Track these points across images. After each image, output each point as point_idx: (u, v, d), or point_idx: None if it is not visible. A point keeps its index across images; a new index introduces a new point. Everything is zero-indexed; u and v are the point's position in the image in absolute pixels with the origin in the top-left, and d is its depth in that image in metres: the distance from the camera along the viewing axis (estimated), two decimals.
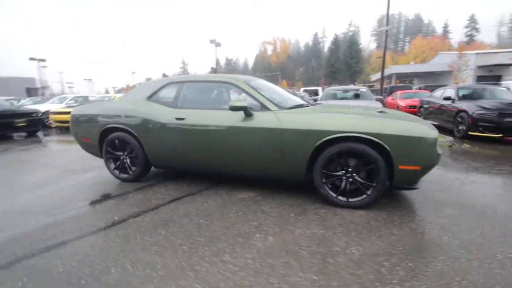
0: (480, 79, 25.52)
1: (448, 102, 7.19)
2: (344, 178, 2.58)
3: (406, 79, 38.11)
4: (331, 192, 2.61)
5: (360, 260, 1.80)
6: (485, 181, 3.37)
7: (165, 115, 3.10)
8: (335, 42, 68.55)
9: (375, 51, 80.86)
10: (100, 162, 4.32)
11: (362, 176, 2.55)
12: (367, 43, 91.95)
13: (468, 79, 25.33)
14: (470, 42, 62.09)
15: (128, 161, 3.46)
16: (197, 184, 3.33)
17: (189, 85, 3.19)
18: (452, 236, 2.07)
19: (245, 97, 2.90)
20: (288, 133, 2.60)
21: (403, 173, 2.39)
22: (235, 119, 2.81)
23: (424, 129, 2.37)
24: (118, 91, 68.95)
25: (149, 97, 3.30)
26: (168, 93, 3.25)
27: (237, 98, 2.85)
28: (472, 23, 66.66)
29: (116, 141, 3.41)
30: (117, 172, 3.51)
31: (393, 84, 30.41)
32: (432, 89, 15.76)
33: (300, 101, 3.32)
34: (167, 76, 56.16)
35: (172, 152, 3.13)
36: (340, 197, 2.59)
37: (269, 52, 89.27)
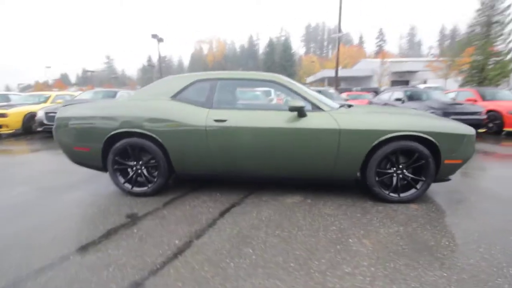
0: (393, 83, 30.41)
1: (398, 103, 8.31)
2: (395, 175, 2.72)
3: (332, 83, 42.60)
4: (383, 190, 2.72)
5: (461, 251, 1.92)
6: (467, 171, 4.01)
7: (200, 116, 2.71)
8: (270, 45, 71.77)
9: (304, 55, 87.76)
10: (82, 175, 3.55)
11: (410, 172, 2.73)
12: (297, 48, 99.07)
13: (388, 83, 29.84)
14: (380, 51, 73.28)
15: (145, 171, 2.91)
16: (230, 192, 3.02)
17: (224, 83, 2.87)
18: (503, 219, 2.39)
19: (295, 96, 2.76)
20: (347, 134, 2.59)
21: (447, 167, 2.65)
22: (286, 120, 2.65)
23: (465, 126, 2.68)
24: (24, 89, 57.40)
25: (174, 96, 2.84)
26: (197, 92, 2.85)
27: (293, 98, 2.69)
28: (381, 35, 78.74)
29: (129, 149, 2.83)
30: (128, 186, 2.91)
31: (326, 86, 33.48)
32: (368, 90, 18.00)
33: (336, 102, 3.34)
34: (91, 71, 49.34)
35: (208, 158, 2.76)
36: (392, 194, 2.72)
37: (205, 51, 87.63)
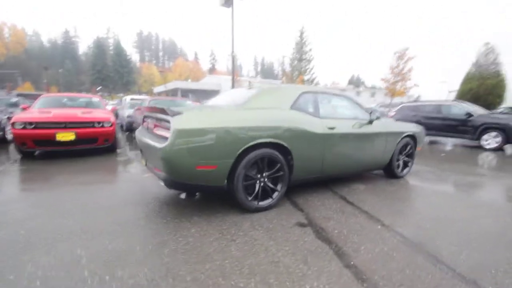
0: None
1: None
2: (400, 160, 4.29)
3: (183, 94, 43.77)
4: (399, 170, 4.21)
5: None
6: None
7: (317, 125, 3.04)
8: (98, 46, 61.96)
9: (140, 63, 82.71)
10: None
11: (402, 156, 4.39)
12: (130, 54, 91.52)
13: None
14: (213, 69, 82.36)
15: (269, 183, 2.78)
16: (315, 191, 3.43)
17: (321, 97, 3.29)
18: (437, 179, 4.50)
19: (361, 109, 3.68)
20: (390, 135, 3.86)
21: (416, 152, 4.55)
22: (365, 126, 3.55)
23: (422, 127, 4.67)
24: None
25: (291, 106, 2.95)
26: (305, 103, 3.12)
27: (373, 111, 3.58)
28: (213, 55, 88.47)
29: (259, 161, 2.64)
30: (254, 202, 2.66)
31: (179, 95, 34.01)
32: None
33: None
34: None
35: (320, 162, 3.11)
36: (401, 173, 4.26)
37: None
